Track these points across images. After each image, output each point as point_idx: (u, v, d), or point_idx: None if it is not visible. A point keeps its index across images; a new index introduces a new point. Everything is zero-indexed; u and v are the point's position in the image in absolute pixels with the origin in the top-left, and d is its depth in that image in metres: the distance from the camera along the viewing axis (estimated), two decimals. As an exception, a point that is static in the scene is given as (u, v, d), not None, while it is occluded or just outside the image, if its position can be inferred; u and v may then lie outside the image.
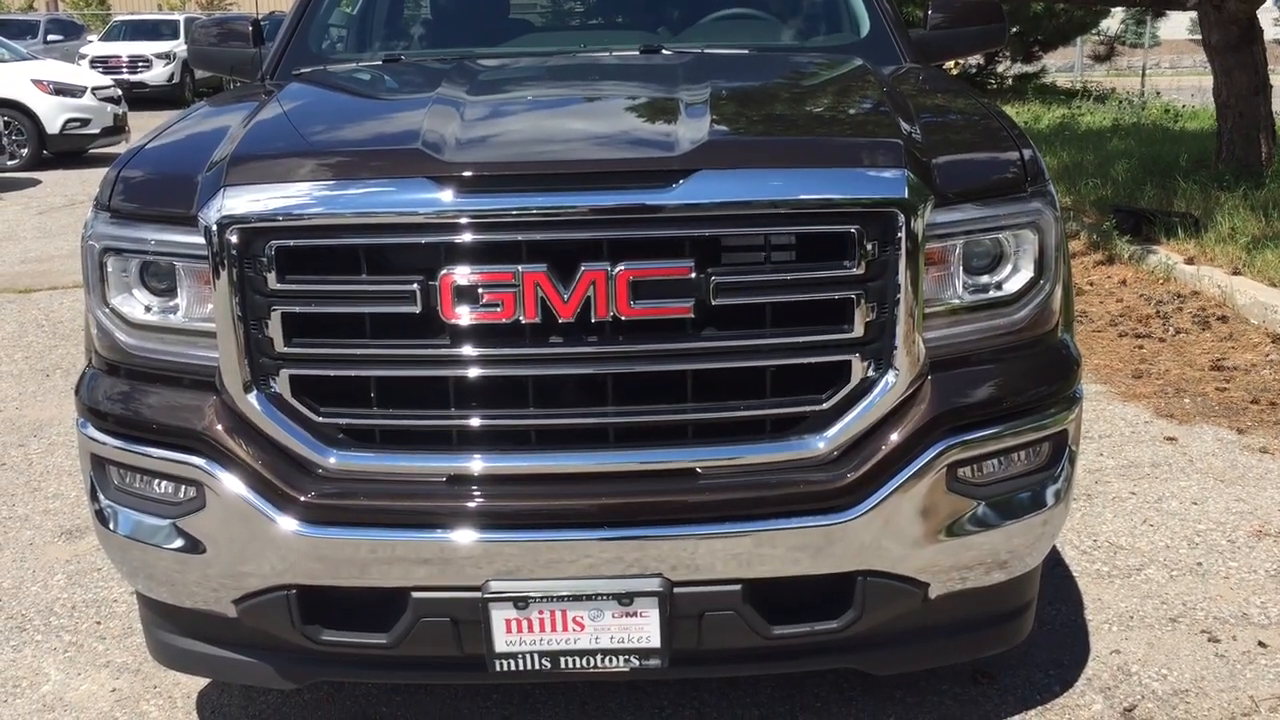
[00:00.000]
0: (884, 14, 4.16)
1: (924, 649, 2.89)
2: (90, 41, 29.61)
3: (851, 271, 2.55)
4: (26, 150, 16.77)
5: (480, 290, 2.50)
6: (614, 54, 4.01)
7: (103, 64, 25.70)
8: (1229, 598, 3.83)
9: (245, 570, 2.65)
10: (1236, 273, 7.50)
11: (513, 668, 2.63)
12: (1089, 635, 3.62)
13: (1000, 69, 24.60)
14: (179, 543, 2.70)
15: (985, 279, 2.75)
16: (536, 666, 2.63)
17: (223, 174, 2.60)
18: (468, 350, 2.55)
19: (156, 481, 2.73)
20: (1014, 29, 22.42)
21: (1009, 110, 18.53)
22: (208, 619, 2.80)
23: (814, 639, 2.71)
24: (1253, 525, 4.38)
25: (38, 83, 17.03)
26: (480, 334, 2.54)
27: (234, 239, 2.53)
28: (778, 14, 4.53)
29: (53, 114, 16.86)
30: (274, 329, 2.56)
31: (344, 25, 4.68)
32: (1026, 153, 2.81)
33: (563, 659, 2.62)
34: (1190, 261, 7.90)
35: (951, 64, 24.42)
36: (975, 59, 24.19)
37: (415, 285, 2.51)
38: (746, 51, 4.02)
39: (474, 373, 2.56)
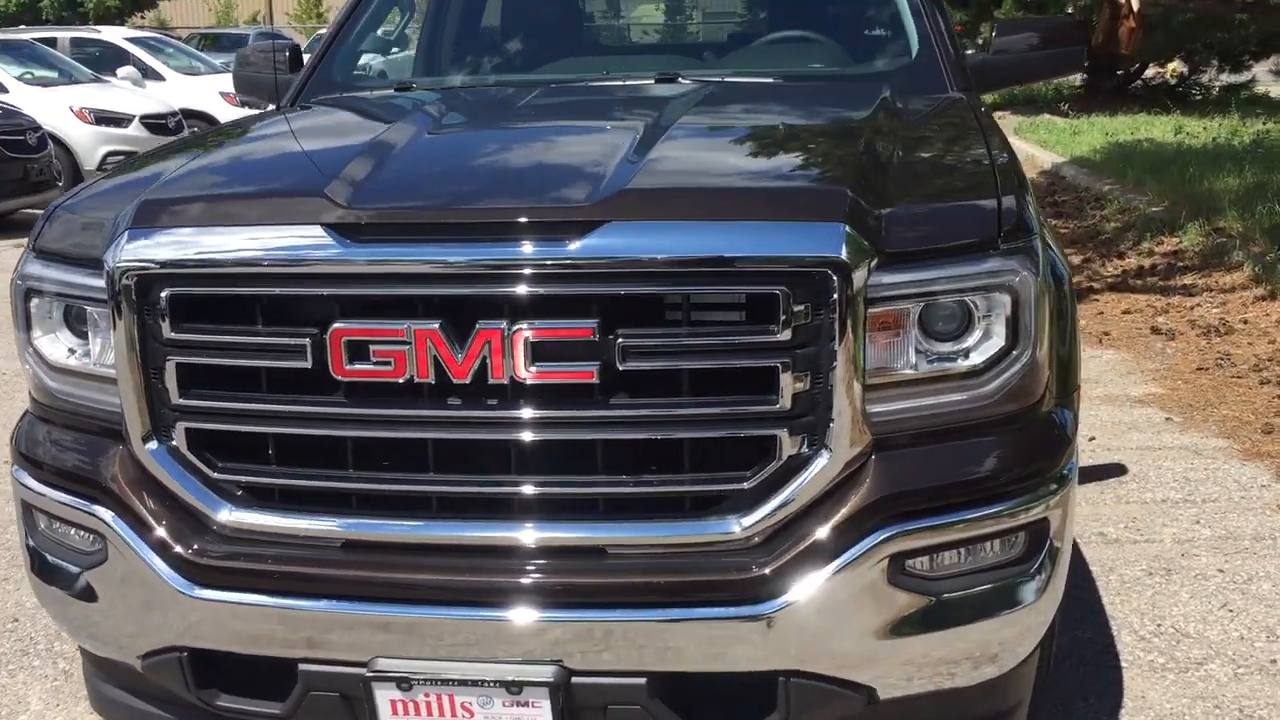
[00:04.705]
0: (935, 38, 3.81)
1: (877, 756, 2.58)
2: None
3: (776, 337, 2.29)
4: (61, 185, 13.25)
5: (370, 347, 2.34)
6: (617, 84, 3.78)
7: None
8: (1300, 704, 3.34)
9: (139, 629, 2.56)
10: None
11: (400, 752, 2.45)
12: (1121, 739, 3.21)
13: (1204, 79, 23.13)
14: (86, 593, 2.63)
15: (948, 346, 2.42)
16: (425, 753, 2.44)
17: (128, 217, 2.52)
18: (360, 410, 2.39)
19: (72, 530, 2.67)
20: (1221, 34, 21.04)
21: (1203, 124, 17.32)
22: (126, 670, 2.73)
23: (737, 741, 2.45)
24: (1355, 617, 3.83)
25: (77, 111, 14.87)
26: (372, 393, 2.38)
27: (131, 284, 2.44)
28: (829, 37, 4.23)
29: (90, 146, 14.70)
30: (169, 380, 2.46)
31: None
32: (1006, 203, 2.47)
33: (452, 747, 2.43)
34: (1363, 302, 7.13)
35: (1151, 73, 23.16)
36: (1178, 68, 22.87)
37: (307, 340, 2.37)
38: (769, 81, 3.75)
39: (367, 433, 2.41)
